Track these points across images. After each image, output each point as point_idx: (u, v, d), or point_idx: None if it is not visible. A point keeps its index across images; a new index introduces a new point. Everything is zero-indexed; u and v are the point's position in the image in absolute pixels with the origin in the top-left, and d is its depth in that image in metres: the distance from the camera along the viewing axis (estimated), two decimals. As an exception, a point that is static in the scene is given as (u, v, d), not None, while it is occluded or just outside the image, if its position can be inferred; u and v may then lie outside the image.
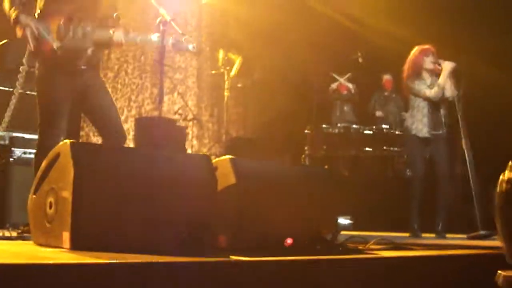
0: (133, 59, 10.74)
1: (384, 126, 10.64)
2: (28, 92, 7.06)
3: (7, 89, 7.33)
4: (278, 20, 11.71)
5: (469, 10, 9.46)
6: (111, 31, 5.12)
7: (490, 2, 9.39)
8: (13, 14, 4.90)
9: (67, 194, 3.56)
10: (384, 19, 10.90)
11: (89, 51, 5.10)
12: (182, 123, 10.99)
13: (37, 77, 5.20)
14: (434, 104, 7.60)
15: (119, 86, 10.48)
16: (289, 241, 4.01)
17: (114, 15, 5.26)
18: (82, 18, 5.09)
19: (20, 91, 7.00)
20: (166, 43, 5.13)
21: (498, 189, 2.84)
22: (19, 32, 4.96)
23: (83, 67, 5.12)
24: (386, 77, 11.21)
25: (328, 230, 4.47)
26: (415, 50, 7.73)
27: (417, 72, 7.66)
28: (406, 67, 7.76)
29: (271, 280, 3.13)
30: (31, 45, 4.93)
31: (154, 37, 5.14)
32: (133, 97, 11.06)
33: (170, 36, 5.16)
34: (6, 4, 5.02)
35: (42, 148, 4.84)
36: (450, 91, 7.49)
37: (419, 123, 7.61)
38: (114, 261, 2.69)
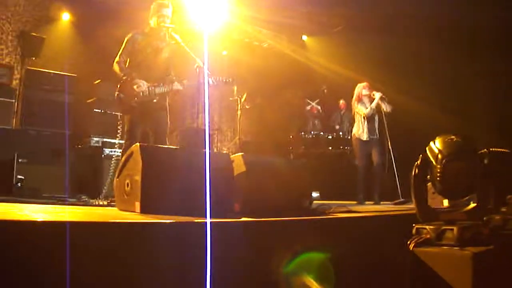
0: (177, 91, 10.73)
1: (340, 133, 10.66)
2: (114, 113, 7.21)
3: (99, 111, 7.39)
4: (272, 65, 11.75)
5: (391, 61, 9.47)
6: (172, 85, 5.35)
7: (403, 56, 9.33)
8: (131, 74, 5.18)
9: (138, 178, 3.61)
10: (340, 65, 10.95)
11: (155, 100, 5.27)
12: (210, 132, 11.00)
13: (124, 110, 5.37)
14: (370, 119, 7.69)
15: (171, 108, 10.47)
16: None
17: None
18: (151, 80, 5.21)
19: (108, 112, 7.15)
20: (207, 82, 5.39)
21: (412, 171, 2.86)
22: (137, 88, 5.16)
23: (152, 105, 5.29)
24: (341, 102, 11.21)
25: (306, 200, 4.47)
26: (359, 85, 7.91)
27: (359, 98, 7.82)
28: (354, 95, 7.93)
29: (270, 234, 3.15)
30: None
31: (193, 84, 5.36)
32: (179, 115, 11.07)
33: (210, 77, 5.46)
34: (117, 68, 5.18)
35: (125, 148, 4.94)
36: (380, 111, 7.68)
37: (362, 132, 7.72)
38: (165, 221, 2.72)
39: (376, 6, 9.42)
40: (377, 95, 7.69)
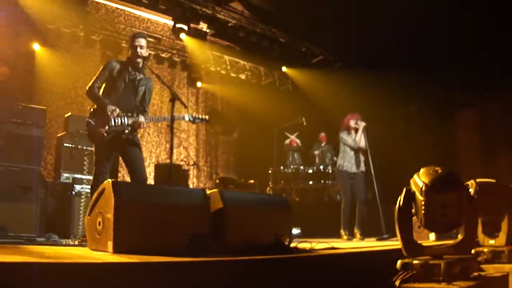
0: (153, 125, 10.73)
1: (320, 167, 10.69)
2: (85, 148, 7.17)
3: (70, 145, 7.32)
4: (250, 97, 11.84)
5: (372, 93, 9.61)
6: (145, 118, 5.38)
7: (385, 88, 9.51)
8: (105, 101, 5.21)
9: (110, 216, 3.54)
10: (320, 97, 11.08)
11: (126, 131, 5.29)
12: (186, 167, 10.96)
13: (94, 144, 5.33)
14: (356, 151, 7.73)
15: (144, 142, 10.43)
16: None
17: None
18: (124, 111, 5.29)
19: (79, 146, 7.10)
20: (183, 118, 5.64)
21: (396, 206, 2.86)
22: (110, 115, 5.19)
23: (123, 136, 5.26)
24: (322, 134, 11.29)
25: (286, 237, 4.44)
26: (348, 115, 7.90)
27: (347, 129, 7.86)
28: (341, 124, 7.94)
29: (249, 273, 3.11)
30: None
31: (162, 118, 5.40)
32: (153, 150, 11.04)
33: (187, 113, 5.69)
34: (91, 92, 5.28)
35: (95, 184, 4.89)
36: (363, 142, 7.67)
37: (348, 163, 7.74)
38: (140, 261, 2.68)
39: (358, 40, 9.60)
40: (361, 125, 7.76)
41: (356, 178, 7.71)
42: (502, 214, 3.19)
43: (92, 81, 5.31)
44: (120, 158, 5.69)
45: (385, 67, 9.20)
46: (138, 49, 5.39)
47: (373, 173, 7.49)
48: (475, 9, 7.96)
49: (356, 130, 7.79)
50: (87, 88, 5.30)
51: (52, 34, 9.50)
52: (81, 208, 5.98)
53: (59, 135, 7.74)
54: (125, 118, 5.29)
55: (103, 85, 5.35)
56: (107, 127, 5.20)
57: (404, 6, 8.01)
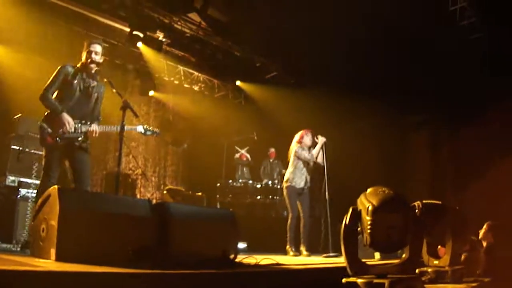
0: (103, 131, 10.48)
1: (269, 182, 10.75)
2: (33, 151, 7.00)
3: (17, 148, 7.14)
4: (202, 109, 11.84)
5: (327, 110, 9.74)
6: (97, 125, 5.40)
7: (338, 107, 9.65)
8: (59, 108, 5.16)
9: (54, 222, 3.51)
10: (272, 112, 11.18)
11: (80, 138, 5.28)
12: (134, 177, 10.82)
13: (45, 148, 5.27)
14: (308, 166, 7.79)
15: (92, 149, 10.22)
16: None
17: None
18: (77, 117, 5.27)
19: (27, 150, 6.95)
20: (135, 130, 5.71)
21: (342, 225, 2.90)
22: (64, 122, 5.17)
23: (76, 144, 5.26)
24: (271, 150, 11.38)
25: (232, 252, 4.43)
26: (303, 131, 7.95)
27: (302, 143, 7.86)
28: (297, 139, 7.94)
29: (190, 286, 3.10)
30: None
31: (114, 127, 5.41)
32: (101, 157, 10.85)
33: (138, 123, 5.82)
34: (45, 98, 5.21)
35: (41, 190, 4.80)
36: (320, 158, 7.75)
37: (298, 179, 7.74)
38: (82, 270, 2.65)
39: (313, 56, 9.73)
40: (322, 140, 7.84)
41: (303, 193, 7.75)
42: (446, 235, 3.29)
43: (45, 85, 5.23)
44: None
45: (336, 85, 9.36)
46: (93, 55, 5.36)
47: (326, 189, 7.54)
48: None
49: (313, 145, 7.87)
50: (41, 93, 5.22)
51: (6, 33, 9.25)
52: (28, 213, 5.83)
53: (7, 136, 7.53)
54: (79, 126, 5.26)
55: (57, 91, 5.28)
56: (61, 134, 5.14)
57: (356, 27, 8.19)
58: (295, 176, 7.78)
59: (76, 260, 3.22)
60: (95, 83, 5.46)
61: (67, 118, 5.16)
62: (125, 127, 5.34)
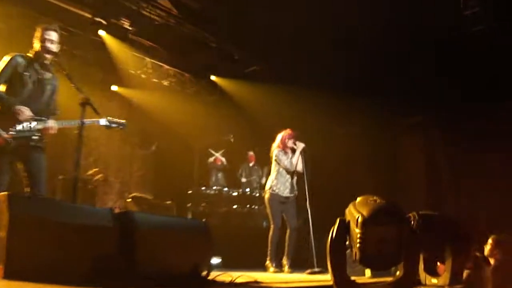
0: (58, 130, 10.36)
1: (247, 190, 10.76)
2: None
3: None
4: (172, 106, 11.79)
5: (308, 113, 9.78)
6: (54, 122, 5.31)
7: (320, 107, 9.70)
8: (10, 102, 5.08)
9: (2, 234, 3.41)
10: (251, 112, 11.18)
11: (34, 137, 5.19)
12: (94, 183, 10.73)
13: None
14: (291, 173, 7.72)
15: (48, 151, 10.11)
16: None
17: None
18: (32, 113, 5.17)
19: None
20: (98, 123, 5.60)
21: (329, 238, 2.90)
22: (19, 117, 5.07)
23: (31, 143, 5.17)
24: (250, 153, 11.39)
25: (204, 268, 4.42)
26: (284, 132, 7.85)
27: (283, 147, 7.77)
28: (277, 142, 7.85)
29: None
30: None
31: (74, 122, 5.33)
32: (56, 159, 10.72)
33: (101, 117, 5.60)
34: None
35: None
36: (300, 165, 7.69)
37: (282, 186, 7.64)
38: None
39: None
40: (300, 146, 7.73)
41: (288, 203, 7.65)
42: (445, 250, 3.27)
43: None
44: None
45: (325, 85, 9.38)
46: (48, 44, 5.27)
47: (308, 199, 7.46)
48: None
49: (293, 151, 7.75)
50: None
51: None
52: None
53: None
54: (34, 122, 5.15)
55: (7, 85, 5.18)
56: (12, 132, 5.02)
57: (344, 25, 8.28)
58: (278, 182, 7.67)
59: (27, 278, 3.16)
60: (50, 75, 5.38)
61: (20, 108, 5.06)
62: (86, 120, 5.27)
